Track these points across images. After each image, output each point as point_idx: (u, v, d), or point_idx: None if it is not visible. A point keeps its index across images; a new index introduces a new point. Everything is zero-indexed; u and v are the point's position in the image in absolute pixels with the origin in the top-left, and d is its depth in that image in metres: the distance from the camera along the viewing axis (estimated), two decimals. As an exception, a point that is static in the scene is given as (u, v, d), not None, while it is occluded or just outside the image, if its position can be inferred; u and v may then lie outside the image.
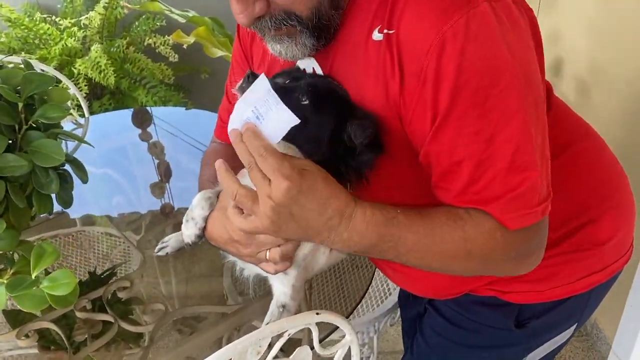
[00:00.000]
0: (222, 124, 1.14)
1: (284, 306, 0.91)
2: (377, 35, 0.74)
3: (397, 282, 1.11)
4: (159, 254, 1.20)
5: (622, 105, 1.83)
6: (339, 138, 0.79)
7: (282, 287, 0.91)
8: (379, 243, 0.74)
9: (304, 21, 0.75)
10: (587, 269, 0.95)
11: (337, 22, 0.79)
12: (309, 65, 0.87)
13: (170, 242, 1.22)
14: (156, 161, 1.72)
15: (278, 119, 0.71)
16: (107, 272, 1.18)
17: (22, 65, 1.08)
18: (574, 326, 1.03)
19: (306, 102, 0.78)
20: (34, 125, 0.97)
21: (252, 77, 0.77)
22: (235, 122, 0.75)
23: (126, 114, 2.17)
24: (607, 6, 1.89)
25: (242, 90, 0.78)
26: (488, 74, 0.69)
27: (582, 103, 2.06)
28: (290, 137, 0.77)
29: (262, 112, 0.72)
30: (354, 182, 0.81)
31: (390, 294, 1.47)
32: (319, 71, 0.85)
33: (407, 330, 1.28)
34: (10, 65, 1.11)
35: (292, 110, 0.73)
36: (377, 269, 1.26)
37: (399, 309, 1.42)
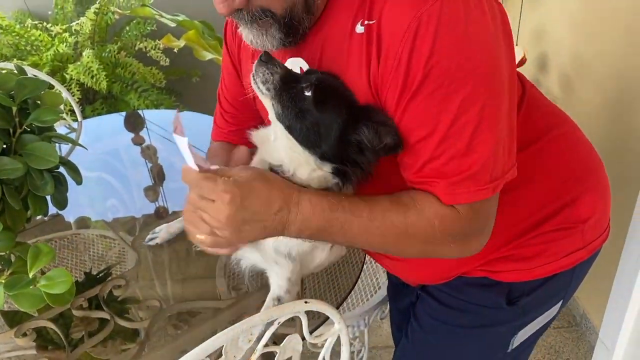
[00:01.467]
0: (217, 127, 1.20)
1: (279, 299, 0.94)
2: (359, 29, 0.79)
3: (395, 272, 1.15)
4: (149, 243, 1.25)
5: (605, 99, 1.86)
6: (346, 137, 0.82)
7: (278, 280, 0.94)
8: (327, 227, 0.81)
9: (277, 17, 0.81)
10: (570, 246, 1.00)
11: (307, 25, 0.84)
12: (297, 64, 0.91)
13: (161, 233, 1.27)
14: (149, 164, 1.74)
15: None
16: (103, 272, 1.21)
17: (15, 71, 1.10)
18: (560, 303, 1.08)
19: (309, 94, 0.81)
20: (28, 128, 0.99)
21: (264, 56, 0.82)
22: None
23: (118, 118, 2.19)
24: (589, 2, 1.93)
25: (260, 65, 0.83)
26: (457, 58, 0.74)
27: (566, 97, 2.10)
28: (288, 126, 0.82)
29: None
30: (359, 177, 0.85)
31: (379, 288, 1.49)
32: (306, 68, 0.90)
33: (397, 322, 1.30)
34: (4, 72, 1.12)
35: (292, 100, 0.80)
36: (365, 263, 1.29)
37: (388, 303, 1.45)
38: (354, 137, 0.81)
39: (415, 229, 0.81)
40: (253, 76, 0.84)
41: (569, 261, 1.01)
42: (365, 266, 1.27)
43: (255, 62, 0.84)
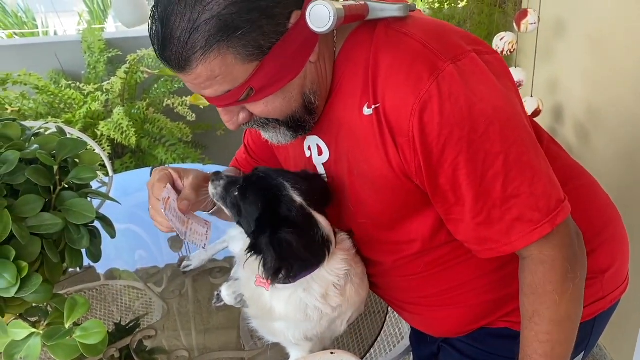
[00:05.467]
0: (235, 160, 1.33)
1: None
2: (367, 111, 0.86)
3: (416, 325, 1.16)
4: (185, 270, 1.40)
5: (619, 148, 1.88)
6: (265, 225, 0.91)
7: (297, 352, 0.99)
8: None
9: (281, 121, 0.90)
10: (591, 297, 1.01)
11: (312, 122, 0.93)
12: (314, 142, 0.99)
13: (194, 260, 1.41)
14: (175, 215, 1.78)
15: None
16: (132, 323, 1.24)
17: (55, 130, 1.18)
18: (582, 354, 1.08)
19: (236, 194, 0.95)
20: (67, 185, 1.06)
21: (213, 175, 1.02)
22: None
23: (146, 172, 2.26)
24: (599, 55, 1.98)
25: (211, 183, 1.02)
26: (466, 124, 0.79)
27: (582, 146, 2.12)
28: (237, 222, 0.97)
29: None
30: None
31: (402, 338, 1.49)
32: (324, 148, 0.98)
33: None
34: (42, 130, 1.20)
35: (232, 201, 0.96)
36: (388, 315, 1.30)
37: (411, 353, 1.44)
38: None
39: (557, 283, 0.86)
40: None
41: (589, 311, 1.01)
42: (388, 316, 1.28)
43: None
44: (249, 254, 0.88)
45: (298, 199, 0.90)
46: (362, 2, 0.85)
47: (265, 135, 0.95)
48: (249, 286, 1.00)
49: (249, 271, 0.99)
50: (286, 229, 0.86)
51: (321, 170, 1.01)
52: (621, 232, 1.08)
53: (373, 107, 0.84)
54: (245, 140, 1.27)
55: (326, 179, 0.99)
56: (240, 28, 0.75)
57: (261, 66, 0.79)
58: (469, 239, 0.88)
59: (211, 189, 1.01)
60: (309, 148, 1.01)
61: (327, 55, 0.90)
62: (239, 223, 0.97)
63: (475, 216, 0.83)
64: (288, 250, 0.86)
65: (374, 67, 0.84)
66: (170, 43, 0.77)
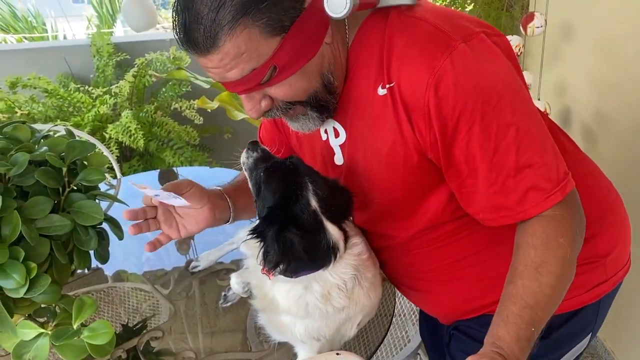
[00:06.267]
0: None
1: None
2: (381, 91, 0.89)
3: (422, 305, 1.19)
4: (193, 271, 1.40)
5: (628, 153, 1.87)
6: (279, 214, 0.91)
7: (305, 352, 1.00)
8: (531, 342, 0.83)
9: (305, 103, 0.92)
10: (595, 279, 1.04)
11: (335, 102, 0.95)
12: (330, 125, 1.02)
13: (202, 261, 1.41)
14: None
15: None
16: (139, 324, 1.25)
17: (64, 133, 1.19)
18: (589, 335, 1.10)
19: (261, 174, 0.96)
20: (75, 187, 1.07)
21: (250, 144, 1.02)
22: None
23: (154, 175, 2.28)
24: (607, 59, 1.97)
25: (246, 150, 1.01)
26: (480, 96, 0.83)
27: (589, 151, 2.10)
28: (254, 200, 0.98)
29: None
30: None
31: (409, 341, 1.49)
32: (340, 130, 1.01)
33: None
34: (51, 133, 1.21)
35: (256, 177, 0.97)
36: (395, 318, 1.30)
37: (418, 355, 1.44)
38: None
39: (552, 263, 0.85)
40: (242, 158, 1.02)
41: (594, 294, 1.04)
42: (394, 319, 1.28)
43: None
44: (251, 236, 0.89)
45: (314, 203, 0.91)
46: None
47: (294, 125, 0.98)
48: (255, 274, 1.00)
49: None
50: (294, 229, 0.87)
51: (338, 152, 1.04)
52: (622, 218, 1.11)
53: (387, 86, 0.88)
54: (260, 133, 1.30)
55: (347, 186, 1.01)
56: (263, 1, 0.80)
57: (283, 43, 0.83)
58: (482, 209, 0.90)
59: (243, 157, 1.02)
60: (326, 131, 1.04)
61: (340, 41, 0.94)
62: (255, 201, 0.99)
63: (490, 186, 0.86)
64: (290, 250, 0.87)
65: (389, 49, 0.88)
66: (197, 24, 0.80)
